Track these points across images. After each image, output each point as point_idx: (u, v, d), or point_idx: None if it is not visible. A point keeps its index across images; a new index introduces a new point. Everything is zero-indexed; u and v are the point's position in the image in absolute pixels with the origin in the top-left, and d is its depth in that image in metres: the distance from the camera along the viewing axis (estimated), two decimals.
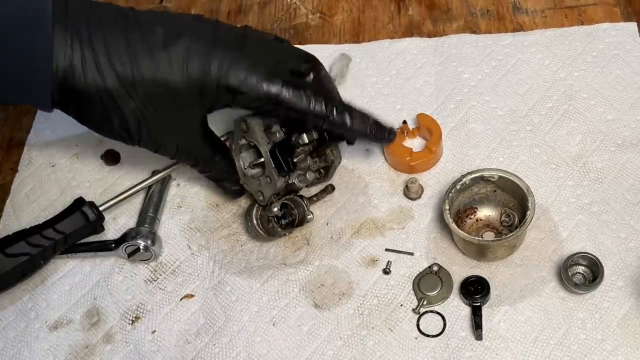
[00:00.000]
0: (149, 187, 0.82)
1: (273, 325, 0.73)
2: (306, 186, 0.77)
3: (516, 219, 0.74)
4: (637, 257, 0.72)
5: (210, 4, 1.03)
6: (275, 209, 0.73)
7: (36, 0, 0.62)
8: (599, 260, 0.69)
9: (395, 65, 0.91)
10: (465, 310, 0.71)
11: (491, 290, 0.70)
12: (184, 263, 0.78)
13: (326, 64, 0.78)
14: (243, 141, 0.76)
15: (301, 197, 0.76)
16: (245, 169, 0.76)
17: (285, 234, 0.77)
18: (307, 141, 0.73)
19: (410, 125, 0.83)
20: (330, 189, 0.80)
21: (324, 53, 0.90)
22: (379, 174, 0.82)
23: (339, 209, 0.80)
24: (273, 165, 0.72)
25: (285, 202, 0.75)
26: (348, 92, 0.88)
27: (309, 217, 0.76)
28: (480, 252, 0.72)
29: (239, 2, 1.02)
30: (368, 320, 0.72)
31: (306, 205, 0.76)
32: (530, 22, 0.93)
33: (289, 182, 0.74)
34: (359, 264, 0.76)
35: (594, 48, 0.88)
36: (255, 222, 0.75)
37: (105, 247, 0.78)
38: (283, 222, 0.74)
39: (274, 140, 0.73)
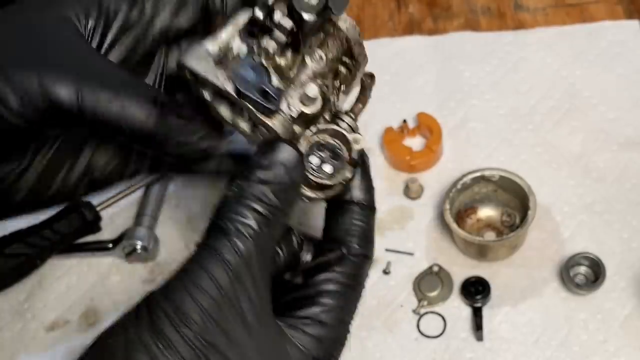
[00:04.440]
0: (147, 186, 0.81)
1: None
2: (333, 105, 0.51)
3: (517, 219, 0.73)
4: None
5: None
6: (312, 157, 0.49)
7: None
8: (600, 261, 0.69)
9: (395, 64, 0.90)
10: (466, 311, 0.70)
11: (492, 291, 0.70)
12: None
13: None
14: (206, 94, 0.47)
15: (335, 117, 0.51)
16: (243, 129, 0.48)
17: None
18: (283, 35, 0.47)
19: (411, 124, 0.83)
20: (369, 80, 0.55)
21: None
22: (378, 173, 0.81)
23: None
24: (250, 106, 0.44)
25: (318, 140, 0.49)
26: None
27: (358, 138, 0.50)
28: (481, 252, 0.72)
29: None
30: (368, 321, 0.71)
31: (349, 126, 0.50)
32: (532, 19, 0.92)
33: (292, 113, 0.46)
34: None
35: (596, 46, 0.87)
36: (310, 194, 0.50)
37: (102, 247, 0.78)
38: (331, 167, 0.50)
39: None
